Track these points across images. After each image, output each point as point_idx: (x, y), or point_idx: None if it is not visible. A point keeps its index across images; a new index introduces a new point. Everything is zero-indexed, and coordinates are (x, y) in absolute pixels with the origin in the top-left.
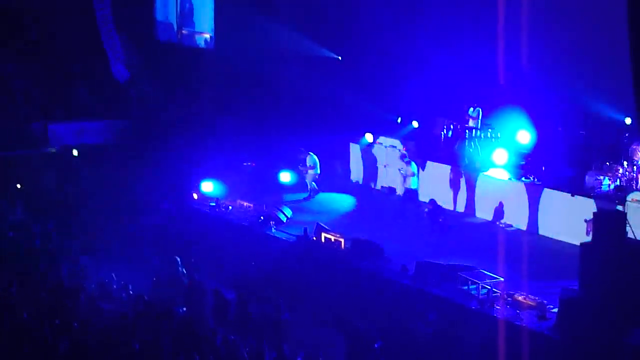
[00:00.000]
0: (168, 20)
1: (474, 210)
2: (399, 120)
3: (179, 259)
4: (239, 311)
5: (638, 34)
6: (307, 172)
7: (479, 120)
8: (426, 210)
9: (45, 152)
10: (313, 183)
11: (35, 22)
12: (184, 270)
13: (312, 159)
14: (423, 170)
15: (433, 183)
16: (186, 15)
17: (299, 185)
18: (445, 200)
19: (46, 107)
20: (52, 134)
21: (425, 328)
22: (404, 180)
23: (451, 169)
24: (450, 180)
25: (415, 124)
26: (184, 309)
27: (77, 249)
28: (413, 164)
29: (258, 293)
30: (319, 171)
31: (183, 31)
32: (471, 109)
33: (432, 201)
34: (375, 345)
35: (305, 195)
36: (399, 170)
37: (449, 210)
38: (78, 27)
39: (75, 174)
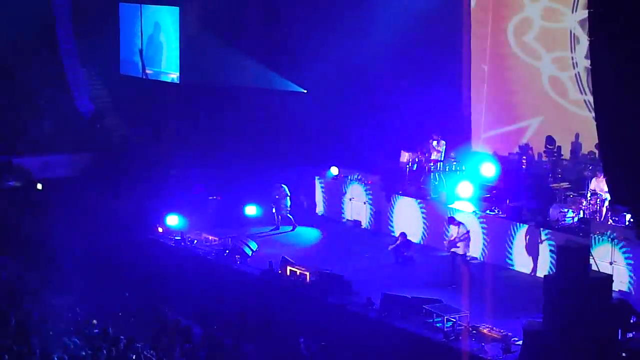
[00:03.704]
0: (133, 60)
1: (440, 243)
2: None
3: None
4: (206, 346)
5: (598, 70)
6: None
7: (443, 153)
8: (390, 247)
9: (9, 186)
10: (289, 215)
11: None
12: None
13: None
14: (388, 203)
15: (398, 216)
16: (151, 56)
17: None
18: (412, 234)
19: (10, 141)
20: (16, 168)
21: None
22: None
23: (417, 202)
24: (418, 213)
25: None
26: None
27: (40, 283)
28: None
29: (224, 327)
30: (289, 203)
31: (148, 71)
32: (435, 142)
33: (402, 234)
34: None
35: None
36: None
37: (417, 244)
38: (42, 61)
39: (40, 208)
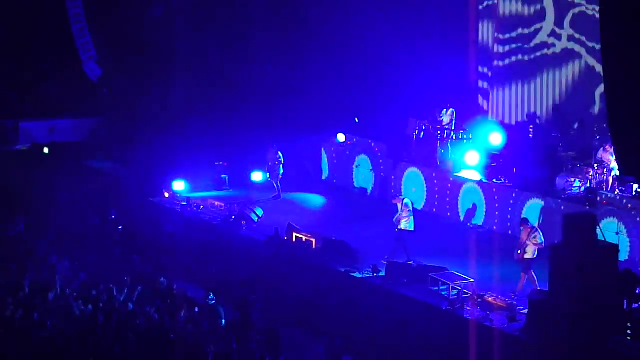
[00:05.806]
0: None
1: (446, 211)
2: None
3: None
4: (210, 313)
5: (609, 42)
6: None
7: (454, 122)
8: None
9: (16, 149)
10: (278, 183)
11: (6, 20)
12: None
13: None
14: (394, 170)
15: (406, 184)
16: None
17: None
18: (417, 201)
19: (17, 105)
20: (23, 132)
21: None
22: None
23: (424, 170)
24: (424, 181)
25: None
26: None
27: (46, 246)
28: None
29: (229, 293)
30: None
31: None
32: (444, 110)
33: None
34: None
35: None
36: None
37: (423, 212)
38: (50, 25)
39: (46, 171)
